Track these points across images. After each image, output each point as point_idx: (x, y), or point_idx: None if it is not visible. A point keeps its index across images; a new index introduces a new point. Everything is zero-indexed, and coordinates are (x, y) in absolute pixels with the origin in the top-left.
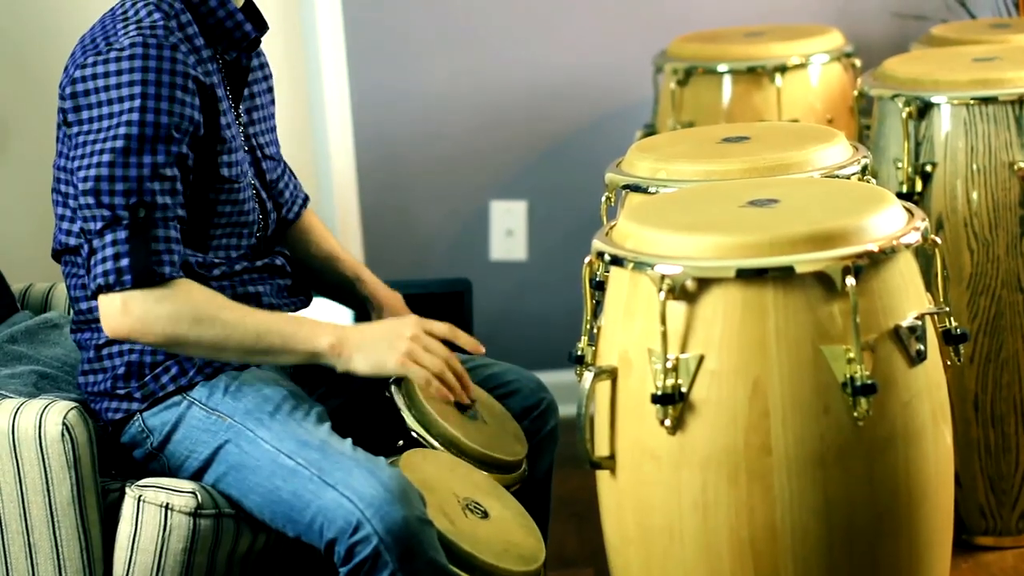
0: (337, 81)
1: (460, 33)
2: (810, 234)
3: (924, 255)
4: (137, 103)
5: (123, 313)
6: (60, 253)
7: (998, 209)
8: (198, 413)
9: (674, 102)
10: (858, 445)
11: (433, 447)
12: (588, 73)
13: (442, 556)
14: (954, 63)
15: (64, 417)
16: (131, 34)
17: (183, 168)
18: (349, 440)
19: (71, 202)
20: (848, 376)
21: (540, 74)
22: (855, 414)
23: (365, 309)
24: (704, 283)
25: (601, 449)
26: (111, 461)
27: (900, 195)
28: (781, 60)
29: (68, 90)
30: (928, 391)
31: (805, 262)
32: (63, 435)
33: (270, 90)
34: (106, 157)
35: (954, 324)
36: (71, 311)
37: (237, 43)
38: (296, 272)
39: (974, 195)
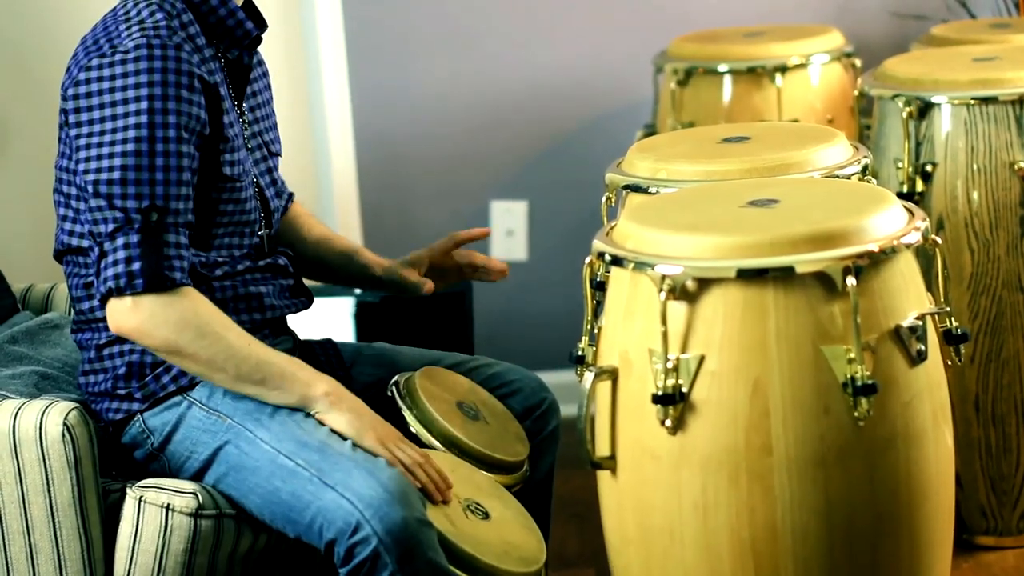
0: (337, 81)
1: (460, 33)
2: (810, 234)
3: (925, 255)
4: (144, 105)
5: (132, 311)
6: (62, 253)
7: (998, 209)
8: (198, 413)
9: (674, 102)
10: (859, 445)
11: (434, 447)
12: (588, 73)
13: (442, 557)
14: (954, 63)
15: (65, 417)
16: (135, 35)
17: (191, 170)
18: (349, 441)
19: (73, 203)
20: (849, 376)
21: (540, 74)
22: (856, 414)
23: (368, 276)
24: (704, 283)
25: (602, 449)
26: (112, 461)
27: (900, 195)
28: (781, 60)
29: (71, 92)
30: (929, 391)
31: (805, 262)
32: (64, 435)
33: (268, 87)
34: (117, 161)
35: (955, 324)
36: (72, 312)
37: (239, 41)
38: (295, 264)
39: (975, 195)
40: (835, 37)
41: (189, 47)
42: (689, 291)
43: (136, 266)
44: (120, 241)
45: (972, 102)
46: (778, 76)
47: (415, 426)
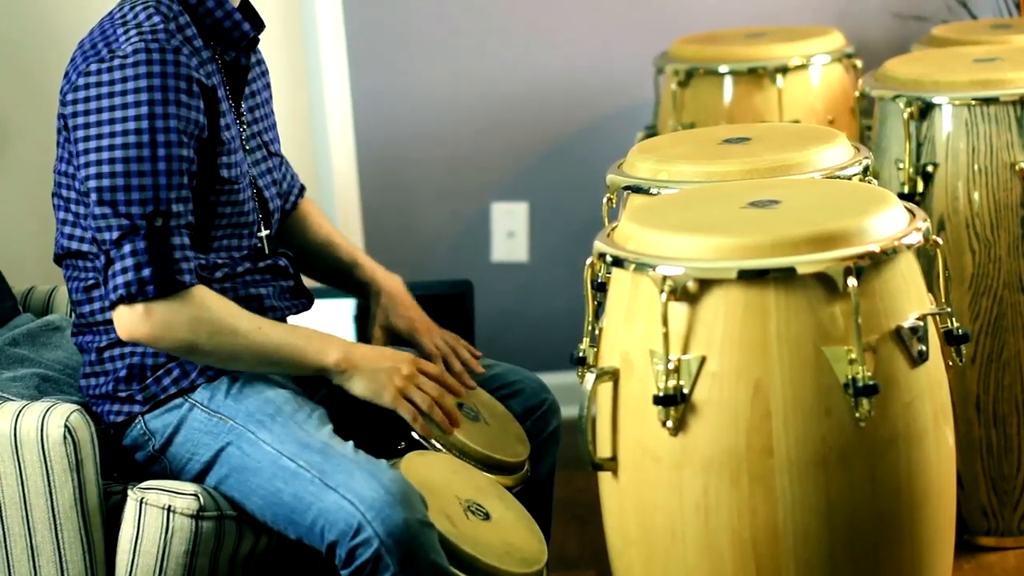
0: (338, 82)
1: (461, 34)
2: (811, 235)
3: (926, 256)
4: (144, 110)
5: (145, 319)
6: (62, 257)
7: (999, 209)
8: (200, 415)
9: (675, 103)
10: (860, 446)
11: (435, 449)
12: (589, 74)
13: (443, 558)
14: (955, 64)
15: (66, 420)
16: (133, 39)
17: (190, 173)
18: (351, 442)
19: (73, 207)
20: (850, 377)
21: (541, 75)
22: (857, 415)
23: (364, 294)
24: (705, 284)
25: (603, 450)
26: (113, 464)
27: (901, 196)
28: (782, 61)
29: (70, 96)
30: (930, 392)
31: (807, 263)
32: (65, 438)
33: (268, 86)
34: (119, 167)
35: (956, 325)
36: (72, 314)
37: (236, 43)
38: (295, 264)
39: (975, 195)
40: (836, 38)
41: (187, 50)
42: (690, 292)
43: (146, 272)
44: (127, 248)
45: (973, 103)
46: (779, 77)
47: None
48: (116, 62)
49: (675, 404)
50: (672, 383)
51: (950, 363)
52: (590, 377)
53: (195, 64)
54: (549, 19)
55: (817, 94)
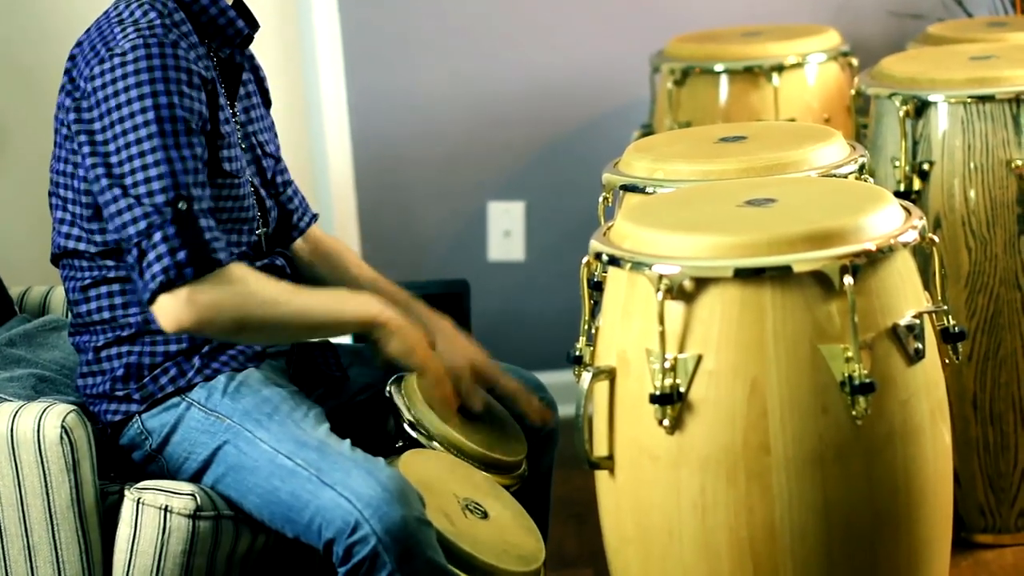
0: (334, 82)
1: (457, 34)
2: (808, 233)
3: (922, 254)
4: (149, 102)
5: (189, 304)
6: (59, 257)
7: (996, 207)
8: (197, 414)
9: (671, 102)
10: (857, 444)
11: (432, 447)
12: (585, 73)
13: (441, 556)
14: (951, 62)
15: (63, 420)
16: (130, 36)
17: (202, 160)
18: (348, 441)
19: (70, 206)
20: (846, 375)
21: (537, 74)
22: (853, 413)
23: None
24: (702, 283)
25: (600, 449)
26: (110, 463)
27: (898, 194)
28: (778, 59)
29: (71, 97)
30: (926, 390)
31: (803, 261)
32: (62, 438)
33: (263, 80)
34: (136, 161)
35: (952, 322)
36: (69, 314)
37: (230, 40)
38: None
39: (972, 193)
40: (832, 36)
41: (185, 44)
42: (686, 291)
43: (181, 256)
44: (157, 236)
45: (969, 100)
46: (775, 75)
47: (413, 426)
48: (116, 60)
49: (672, 403)
50: (669, 382)
51: (946, 361)
52: (587, 376)
53: (193, 57)
54: (545, 19)
55: (813, 92)
